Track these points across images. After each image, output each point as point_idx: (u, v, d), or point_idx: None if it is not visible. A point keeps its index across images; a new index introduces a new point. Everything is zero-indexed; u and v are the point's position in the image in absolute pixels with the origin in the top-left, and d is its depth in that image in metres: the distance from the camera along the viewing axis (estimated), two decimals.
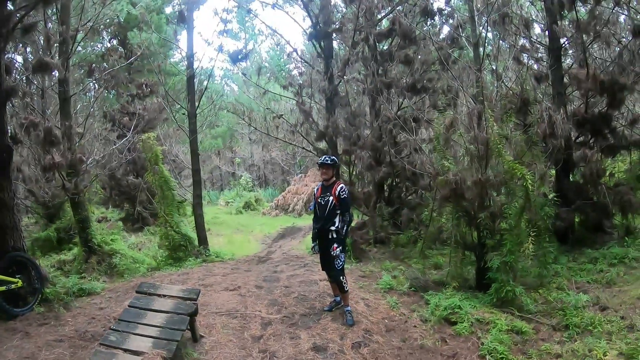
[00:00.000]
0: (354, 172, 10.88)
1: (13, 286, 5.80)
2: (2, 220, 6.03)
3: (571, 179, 8.72)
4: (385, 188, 10.66)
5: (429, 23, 10.81)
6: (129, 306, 5.22)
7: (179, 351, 4.70)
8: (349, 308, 5.78)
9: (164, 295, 5.34)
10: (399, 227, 10.06)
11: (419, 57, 10.44)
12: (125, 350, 4.45)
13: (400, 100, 10.47)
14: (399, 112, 10.22)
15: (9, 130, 6.88)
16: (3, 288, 5.65)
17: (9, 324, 5.51)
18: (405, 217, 9.89)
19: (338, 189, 5.69)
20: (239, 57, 11.52)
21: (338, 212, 5.72)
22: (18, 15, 6.16)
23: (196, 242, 10.19)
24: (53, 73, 8.36)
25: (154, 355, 4.33)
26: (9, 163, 6.21)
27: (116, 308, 6.18)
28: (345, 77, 10.53)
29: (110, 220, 14.49)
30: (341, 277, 5.70)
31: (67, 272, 8.55)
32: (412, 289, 6.81)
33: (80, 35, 8.95)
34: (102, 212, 15.53)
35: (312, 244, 6.07)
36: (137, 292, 5.50)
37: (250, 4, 12.67)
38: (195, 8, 10.80)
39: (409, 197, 10.66)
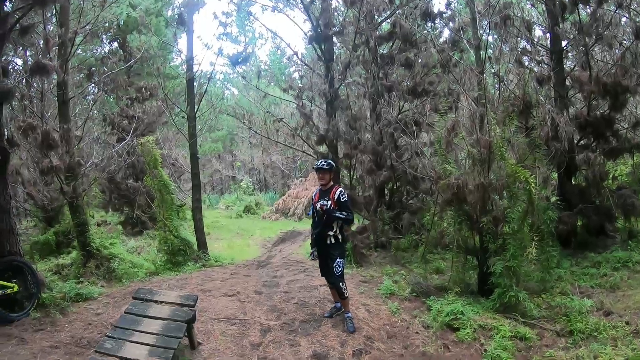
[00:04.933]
0: (355, 176, 10.80)
1: (9, 291, 5.75)
2: None
3: (574, 182, 8.65)
4: (386, 192, 10.58)
5: (429, 26, 10.73)
6: (125, 312, 5.14)
7: (176, 359, 4.61)
8: (349, 314, 5.70)
9: (161, 302, 5.26)
10: (400, 232, 9.97)
11: (420, 60, 10.39)
12: (121, 358, 4.38)
13: (401, 103, 10.40)
14: (399, 116, 10.14)
15: (6, 133, 6.81)
16: None
17: (4, 330, 5.44)
18: (407, 221, 9.80)
19: (337, 192, 5.58)
20: (239, 60, 11.44)
21: None
22: (16, 15, 6.11)
23: (195, 247, 10.08)
24: (52, 76, 8.30)
25: None
26: (4, 165, 6.15)
27: (113, 314, 6.11)
28: (345, 80, 10.46)
29: (109, 223, 14.39)
30: (340, 283, 5.61)
31: (65, 276, 8.47)
32: (414, 294, 6.72)
33: (79, 38, 8.88)
34: (102, 215, 15.42)
35: (311, 250, 5.99)
36: (133, 297, 5.42)
37: (250, 7, 12.52)
38: (195, 11, 10.73)
39: (410, 201, 10.56)
